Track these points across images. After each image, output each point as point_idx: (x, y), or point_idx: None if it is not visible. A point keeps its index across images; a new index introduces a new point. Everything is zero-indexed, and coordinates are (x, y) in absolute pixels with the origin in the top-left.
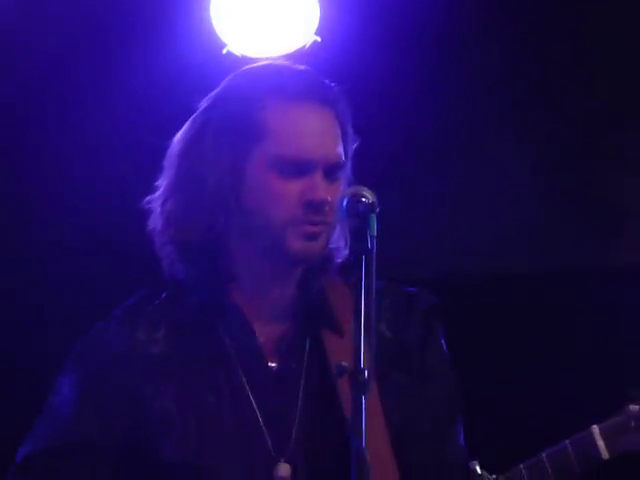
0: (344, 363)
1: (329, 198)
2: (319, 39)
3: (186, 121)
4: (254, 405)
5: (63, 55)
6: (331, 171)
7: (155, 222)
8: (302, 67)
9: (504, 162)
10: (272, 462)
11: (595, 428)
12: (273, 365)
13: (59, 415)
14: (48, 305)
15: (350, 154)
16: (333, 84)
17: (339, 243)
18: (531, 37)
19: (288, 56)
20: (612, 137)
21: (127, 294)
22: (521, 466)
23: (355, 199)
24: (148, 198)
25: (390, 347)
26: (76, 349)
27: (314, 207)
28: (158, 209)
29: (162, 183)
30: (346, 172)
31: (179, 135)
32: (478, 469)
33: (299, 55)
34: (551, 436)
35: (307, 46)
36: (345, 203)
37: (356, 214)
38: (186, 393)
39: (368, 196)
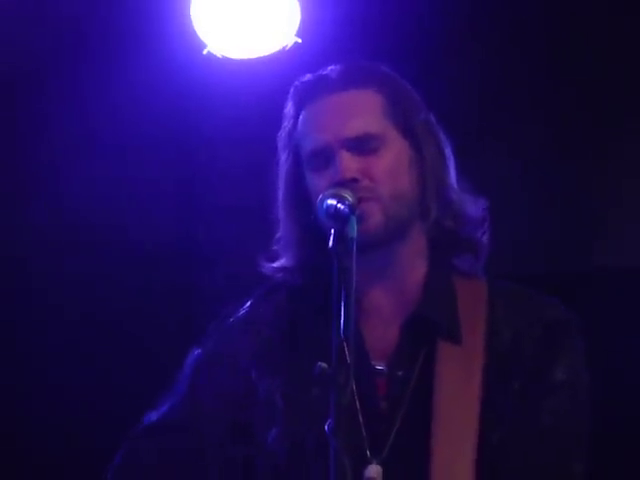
0: (323, 364)
1: (350, 174)
2: (300, 40)
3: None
4: (357, 403)
5: (45, 56)
6: (358, 145)
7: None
8: (335, 65)
9: (485, 163)
10: (365, 462)
11: None
12: (381, 368)
13: (177, 391)
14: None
15: (415, 124)
16: (365, 64)
17: (458, 211)
18: (512, 38)
19: (269, 57)
20: (595, 138)
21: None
22: None
23: (335, 201)
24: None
25: (509, 356)
26: (208, 328)
27: (344, 186)
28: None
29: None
30: (415, 143)
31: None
32: None
33: (280, 56)
34: None
35: (288, 47)
36: (325, 205)
37: (336, 216)
38: (292, 384)
39: (348, 198)
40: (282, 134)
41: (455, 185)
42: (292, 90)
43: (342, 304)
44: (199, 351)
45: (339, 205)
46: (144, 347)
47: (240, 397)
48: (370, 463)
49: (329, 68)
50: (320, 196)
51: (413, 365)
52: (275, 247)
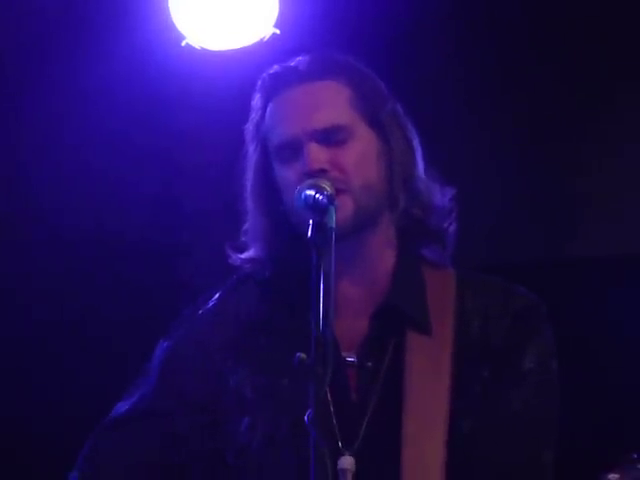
0: (302, 355)
1: (318, 165)
2: (278, 31)
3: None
4: (328, 395)
5: (19, 48)
6: (326, 137)
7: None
8: (302, 56)
9: (459, 153)
10: (338, 454)
11: None
12: (351, 359)
13: (147, 381)
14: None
15: (382, 115)
16: (333, 55)
17: (426, 201)
18: (497, 25)
19: (247, 49)
20: (569, 128)
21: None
22: None
23: (314, 191)
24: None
25: (478, 345)
26: (176, 320)
27: (313, 177)
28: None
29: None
30: (382, 134)
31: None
32: None
33: (258, 48)
34: None
35: (266, 38)
36: (303, 195)
37: (315, 206)
38: (261, 375)
39: (327, 188)
40: (249, 126)
41: (423, 175)
42: (260, 82)
43: (320, 294)
44: (167, 343)
45: (317, 195)
46: (121, 346)
47: (209, 388)
48: (342, 454)
49: (296, 59)
50: (298, 187)
51: (383, 356)
52: (243, 238)
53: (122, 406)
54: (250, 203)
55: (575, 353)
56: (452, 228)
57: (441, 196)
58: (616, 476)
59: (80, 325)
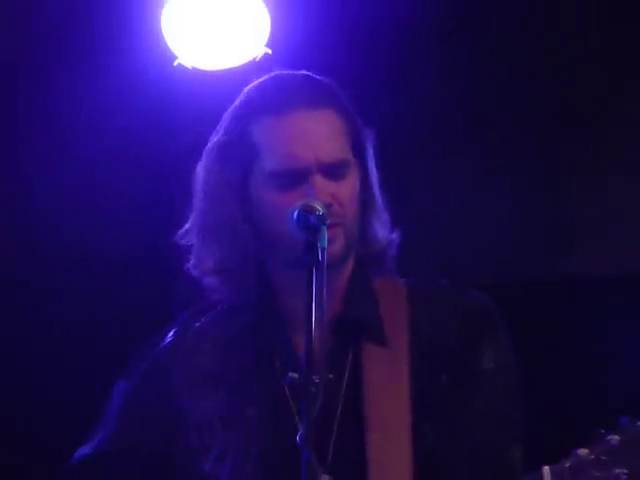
0: (294, 375)
1: (326, 199)
2: (270, 51)
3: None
4: (296, 417)
5: (12, 68)
6: (331, 171)
7: (193, 257)
8: (293, 73)
9: (458, 174)
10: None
11: (546, 469)
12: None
13: (109, 422)
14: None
15: (365, 147)
16: (327, 82)
17: (385, 237)
18: (496, 41)
19: (239, 68)
20: (567, 148)
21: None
22: None
23: (306, 211)
24: (179, 233)
25: (433, 351)
26: (133, 359)
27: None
28: (190, 242)
29: (191, 220)
30: (363, 167)
31: (199, 165)
32: None
33: (250, 67)
34: None
35: (258, 58)
36: (295, 215)
37: (307, 226)
38: (227, 407)
39: (319, 208)
40: (226, 140)
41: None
42: (245, 97)
43: (313, 314)
44: (126, 383)
45: (310, 215)
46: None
47: (171, 427)
48: (318, 477)
49: (282, 75)
50: (290, 207)
51: (342, 369)
52: (187, 241)
53: (84, 450)
54: (212, 216)
55: (578, 368)
56: (394, 252)
57: (390, 229)
58: (585, 451)
59: (77, 333)
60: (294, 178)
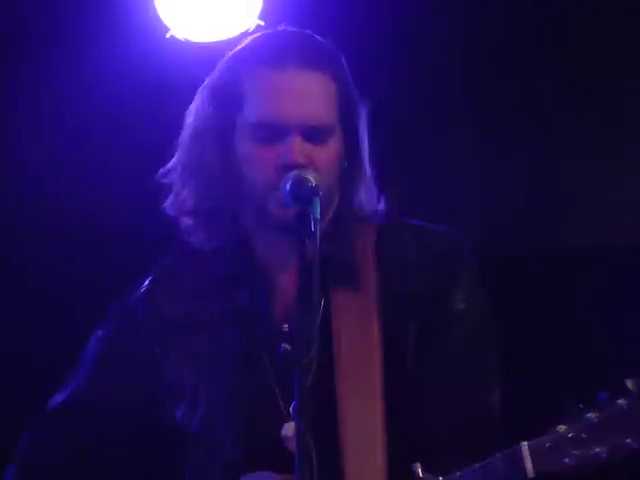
0: (287, 346)
1: (302, 159)
2: (262, 23)
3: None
4: (268, 368)
5: (5, 41)
6: (313, 134)
7: (172, 195)
8: (295, 30)
9: (453, 147)
10: (282, 421)
11: (524, 445)
12: (285, 327)
13: (82, 372)
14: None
15: (355, 116)
16: (327, 45)
17: (365, 195)
18: (494, 25)
19: (231, 41)
20: (564, 122)
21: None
22: (457, 474)
23: (299, 183)
24: (161, 171)
25: (404, 293)
26: (109, 309)
27: (296, 169)
28: (173, 182)
29: (175, 159)
30: (351, 136)
31: (191, 105)
32: (420, 472)
33: (242, 39)
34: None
35: (250, 30)
36: (289, 186)
37: (300, 197)
38: (201, 359)
39: (312, 180)
40: (215, 85)
41: (369, 177)
42: (241, 47)
43: (307, 287)
44: (101, 332)
45: (303, 187)
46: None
47: (144, 376)
48: (286, 421)
49: (284, 31)
50: (284, 178)
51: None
52: (167, 180)
53: (58, 398)
54: (194, 157)
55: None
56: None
57: (376, 197)
58: (564, 427)
59: (76, 316)
60: (273, 133)
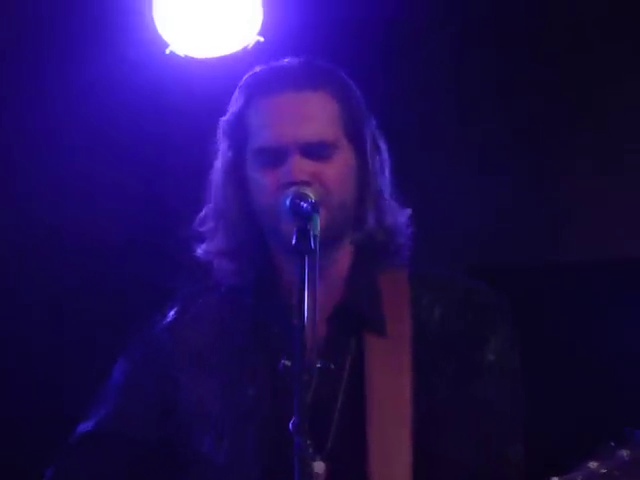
0: (287, 362)
1: (300, 178)
2: (262, 39)
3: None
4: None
5: (4, 53)
6: (314, 150)
7: (206, 241)
8: (295, 58)
9: (453, 160)
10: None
11: None
12: (317, 365)
13: (107, 400)
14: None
15: (362, 131)
16: (324, 66)
17: (391, 224)
18: (491, 36)
19: (231, 56)
20: (563, 136)
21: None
22: None
23: (297, 199)
24: (197, 219)
25: (438, 341)
26: (135, 337)
27: (296, 185)
28: (204, 226)
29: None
30: (360, 151)
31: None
32: None
33: (242, 55)
34: None
35: (250, 46)
36: (288, 202)
37: (299, 214)
38: (226, 388)
39: (311, 196)
40: (227, 120)
41: (388, 194)
42: (245, 79)
43: (305, 301)
44: (126, 361)
45: (303, 203)
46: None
47: (170, 406)
48: (314, 460)
49: (285, 61)
50: (283, 194)
51: (344, 358)
52: (202, 228)
53: (85, 426)
54: (217, 197)
55: (569, 355)
56: (408, 243)
57: (401, 216)
58: (596, 464)
59: (67, 324)
60: (274, 157)
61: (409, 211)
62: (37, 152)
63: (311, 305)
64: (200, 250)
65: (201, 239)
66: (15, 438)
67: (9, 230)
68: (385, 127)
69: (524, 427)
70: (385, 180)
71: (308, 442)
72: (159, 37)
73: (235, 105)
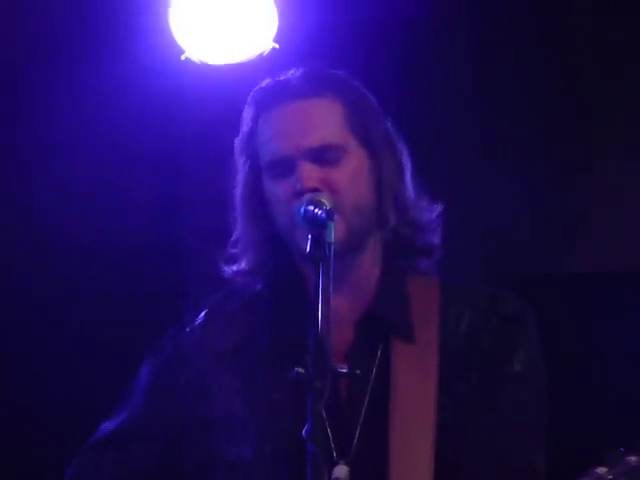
0: (300, 369)
1: (311, 184)
2: (277, 46)
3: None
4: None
5: (20, 60)
6: (321, 156)
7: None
8: (294, 70)
9: (467, 168)
10: (332, 464)
11: None
12: (343, 370)
13: (134, 401)
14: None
15: (372, 132)
16: (327, 71)
17: (416, 219)
18: (504, 41)
19: (246, 63)
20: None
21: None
22: None
23: (312, 206)
24: (230, 243)
25: (464, 351)
26: (163, 338)
27: (309, 194)
28: (235, 248)
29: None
30: (372, 152)
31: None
32: None
33: (257, 62)
34: None
35: (265, 53)
36: (303, 210)
37: (314, 221)
38: (251, 391)
39: (326, 203)
40: (239, 139)
41: (411, 193)
42: (251, 95)
43: (319, 308)
44: (154, 362)
45: (317, 211)
46: (126, 352)
47: (197, 407)
48: (337, 464)
49: (289, 73)
50: (297, 203)
51: (371, 364)
52: (233, 250)
53: (108, 426)
54: (240, 216)
55: (581, 364)
56: (438, 241)
57: (429, 213)
58: (604, 470)
59: (78, 330)
60: (285, 167)
61: (438, 207)
62: (50, 158)
63: (325, 312)
64: (229, 271)
65: (232, 260)
66: (25, 438)
67: (18, 236)
68: (401, 129)
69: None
70: (405, 179)
71: (331, 446)
72: (175, 43)
73: (245, 122)
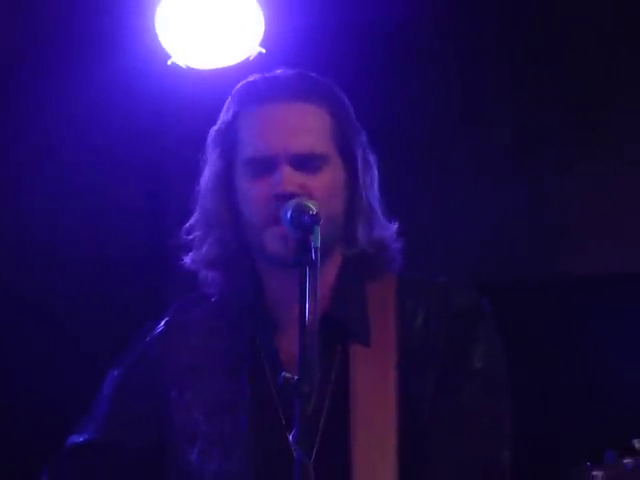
0: (287, 374)
1: (290, 189)
2: (264, 50)
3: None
4: (281, 416)
5: (5, 65)
6: (303, 163)
7: (193, 250)
8: (287, 70)
9: (454, 175)
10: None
11: None
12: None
13: (98, 411)
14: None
15: (353, 146)
16: (318, 79)
17: (380, 238)
18: (491, 42)
19: (233, 68)
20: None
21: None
22: None
23: (299, 211)
24: (184, 228)
25: (422, 349)
26: (126, 348)
27: (283, 200)
28: (191, 234)
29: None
30: (350, 166)
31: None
32: None
33: (244, 66)
34: None
35: (252, 58)
36: (289, 214)
37: (300, 225)
38: (212, 401)
39: (312, 208)
40: (217, 130)
41: (379, 210)
42: (237, 88)
43: (306, 314)
44: (117, 372)
45: (303, 215)
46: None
47: (159, 417)
48: None
49: (278, 72)
50: (284, 207)
51: (329, 369)
52: (187, 236)
53: (76, 438)
54: (203, 206)
55: (570, 368)
56: (397, 256)
57: (389, 230)
58: (600, 472)
59: (65, 335)
60: (264, 166)
61: (396, 226)
62: (36, 162)
63: (312, 318)
64: (187, 259)
65: (189, 248)
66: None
67: (9, 243)
68: (380, 136)
69: (526, 439)
70: (375, 195)
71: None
72: (161, 48)
73: (226, 114)
